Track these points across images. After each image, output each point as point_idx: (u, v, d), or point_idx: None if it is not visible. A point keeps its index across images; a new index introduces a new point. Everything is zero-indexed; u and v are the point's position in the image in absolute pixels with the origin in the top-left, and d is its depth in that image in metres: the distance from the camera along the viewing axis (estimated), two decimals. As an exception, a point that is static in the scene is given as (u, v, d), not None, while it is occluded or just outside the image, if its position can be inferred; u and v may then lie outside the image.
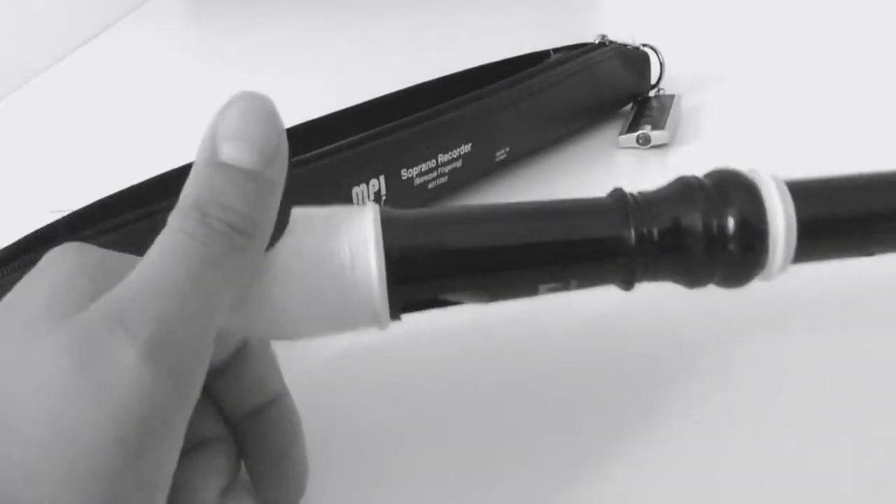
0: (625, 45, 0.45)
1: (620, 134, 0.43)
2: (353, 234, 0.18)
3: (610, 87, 0.44)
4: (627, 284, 0.20)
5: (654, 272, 0.20)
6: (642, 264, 0.20)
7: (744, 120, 0.46)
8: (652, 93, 0.47)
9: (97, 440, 0.14)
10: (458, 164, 0.36)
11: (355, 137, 0.33)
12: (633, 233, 0.19)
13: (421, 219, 0.20)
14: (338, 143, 0.33)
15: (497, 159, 0.38)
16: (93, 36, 0.68)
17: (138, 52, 0.66)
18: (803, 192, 0.20)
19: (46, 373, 0.14)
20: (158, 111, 0.53)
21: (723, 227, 0.19)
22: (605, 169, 0.41)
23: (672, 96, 0.46)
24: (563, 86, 0.40)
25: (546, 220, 0.20)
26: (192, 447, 0.20)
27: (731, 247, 0.19)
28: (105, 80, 0.60)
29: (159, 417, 0.15)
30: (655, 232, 0.19)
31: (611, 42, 0.45)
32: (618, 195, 0.20)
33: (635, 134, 0.42)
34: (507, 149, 0.38)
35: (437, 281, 0.19)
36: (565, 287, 0.20)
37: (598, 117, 0.45)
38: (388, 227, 0.19)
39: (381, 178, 0.33)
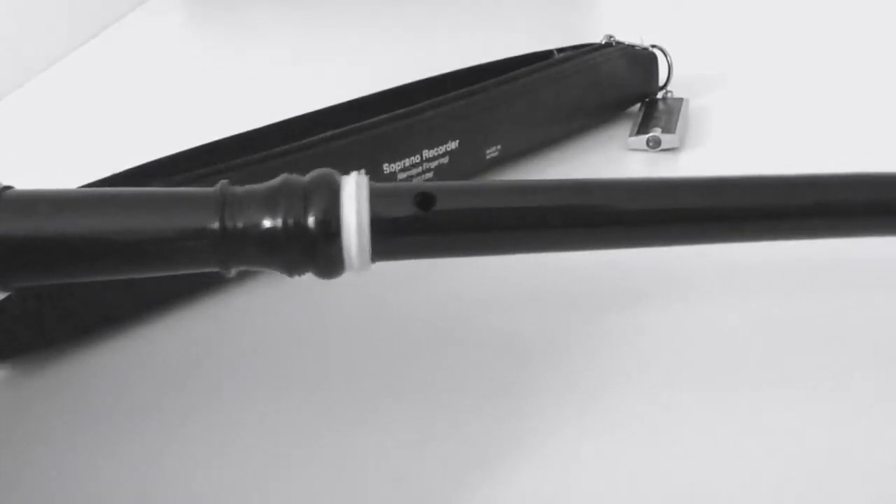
0: (632, 46, 0.43)
1: (630, 135, 0.41)
2: None
3: (613, 87, 0.42)
4: (224, 268, 0.21)
5: (246, 260, 0.21)
6: (232, 252, 0.21)
7: (751, 123, 0.44)
8: (659, 94, 0.45)
9: None
10: (445, 160, 0.34)
11: (336, 131, 0.32)
12: (218, 223, 0.20)
13: (39, 199, 0.21)
14: (318, 136, 0.32)
15: (488, 157, 0.36)
16: (93, 36, 0.67)
17: (138, 52, 0.66)
18: (387, 196, 0.21)
19: None
20: (158, 111, 0.52)
21: (301, 224, 0.20)
22: (615, 169, 0.39)
23: (680, 99, 0.44)
24: (561, 85, 0.38)
25: (140, 207, 0.21)
26: None
27: (312, 243, 0.21)
28: (105, 80, 0.59)
29: None
30: (241, 224, 0.20)
31: (617, 42, 0.43)
32: (222, 187, 0.21)
33: (646, 136, 0.40)
34: (499, 147, 0.36)
35: (37, 260, 0.21)
36: (163, 269, 0.21)
37: (601, 118, 0.43)
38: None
39: (362, 172, 0.32)
